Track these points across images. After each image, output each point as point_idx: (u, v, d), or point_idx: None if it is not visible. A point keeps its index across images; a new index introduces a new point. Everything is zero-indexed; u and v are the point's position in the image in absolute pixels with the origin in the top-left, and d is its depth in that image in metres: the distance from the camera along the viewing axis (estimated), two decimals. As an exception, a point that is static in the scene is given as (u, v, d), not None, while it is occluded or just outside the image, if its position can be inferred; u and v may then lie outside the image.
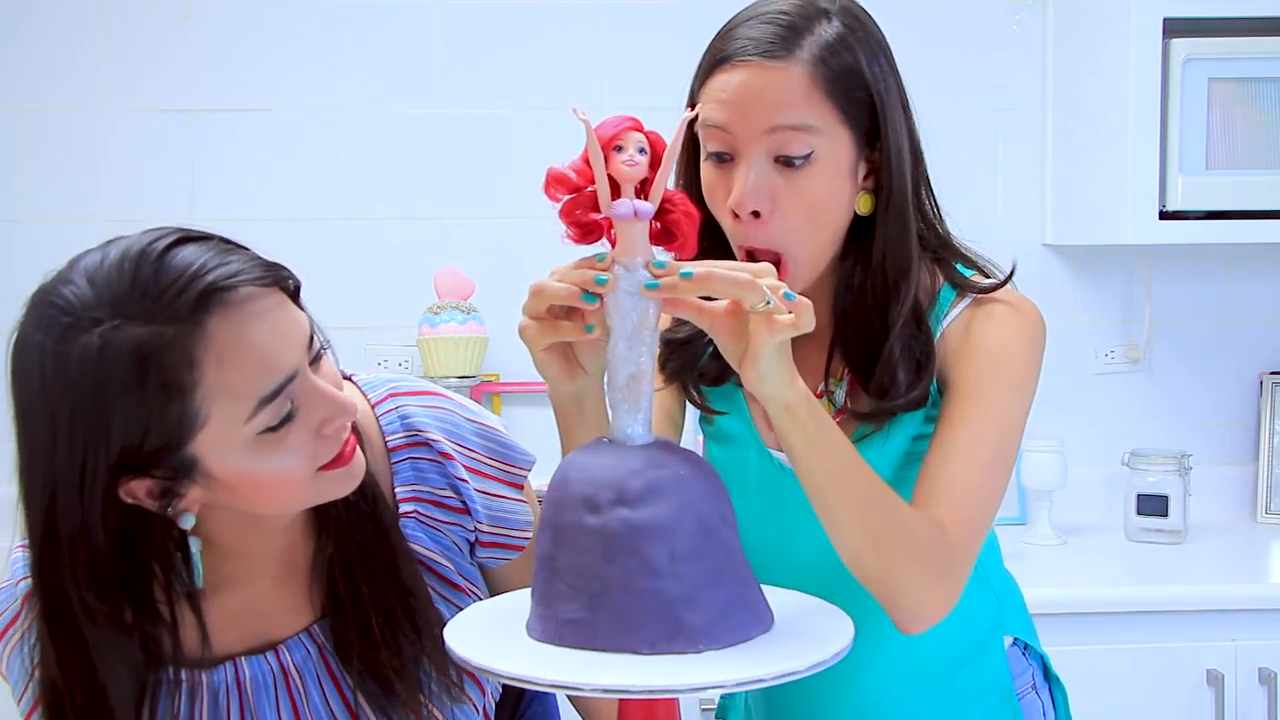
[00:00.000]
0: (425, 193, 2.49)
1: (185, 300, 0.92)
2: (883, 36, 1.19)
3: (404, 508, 1.16)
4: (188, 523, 1.00)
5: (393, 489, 1.16)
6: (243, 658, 1.12)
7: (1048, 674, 1.40)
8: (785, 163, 1.12)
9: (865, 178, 1.18)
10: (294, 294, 1.02)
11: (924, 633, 1.12)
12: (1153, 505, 2.37)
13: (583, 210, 0.96)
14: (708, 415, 1.32)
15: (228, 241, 0.99)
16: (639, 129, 0.94)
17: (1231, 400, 2.61)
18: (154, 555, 1.01)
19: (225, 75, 2.44)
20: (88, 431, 0.92)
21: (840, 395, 1.23)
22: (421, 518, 1.17)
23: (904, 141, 1.17)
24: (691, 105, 1.19)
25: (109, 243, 0.98)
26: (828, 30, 1.14)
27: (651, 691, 0.85)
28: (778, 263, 1.14)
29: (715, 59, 1.15)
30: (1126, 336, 2.59)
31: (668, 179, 0.95)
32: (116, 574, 0.98)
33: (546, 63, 2.49)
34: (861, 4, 1.21)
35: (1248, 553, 2.38)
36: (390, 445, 1.17)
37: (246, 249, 1.00)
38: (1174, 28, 2.19)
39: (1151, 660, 2.05)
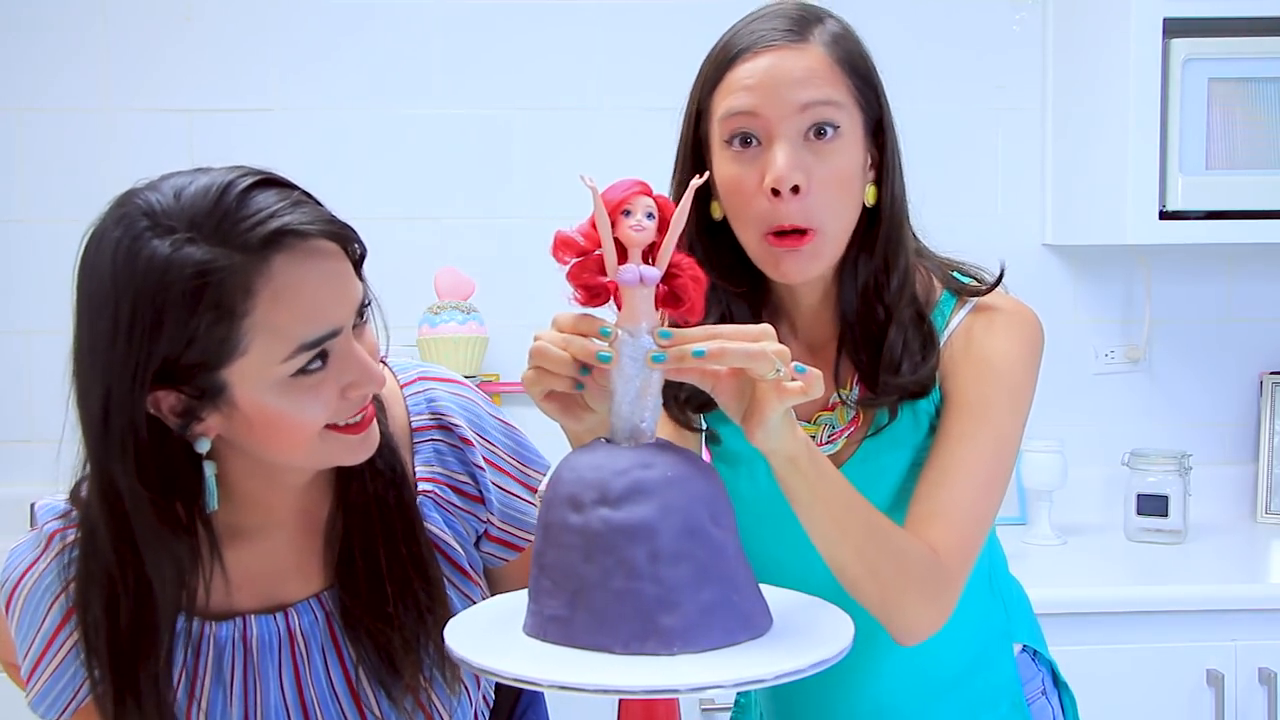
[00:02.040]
0: (425, 193, 2.49)
1: (257, 234, 0.96)
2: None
3: (422, 486, 1.18)
4: (203, 447, 1.03)
5: (413, 468, 1.18)
6: (252, 616, 1.14)
7: (1056, 680, 1.41)
8: (818, 134, 1.15)
9: (870, 168, 1.21)
10: (357, 260, 1.06)
11: (936, 641, 1.15)
12: (1153, 505, 2.37)
13: (590, 273, 0.96)
14: (714, 436, 1.32)
15: (308, 195, 1.04)
16: (648, 193, 0.95)
17: (1231, 400, 2.61)
18: (179, 466, 1.04)
19: (225, 75, 2.44)
20: (143, 330, 0.96)
21: (852, 400, 1.25)
22: (438, 499, 1.19)
23: (897, 146, 1.22)
24: (697, 112, 1.21)
25: (199, 169, 1.03)
26: (833, 25, 1.20)
27: (603, 690, 0.85)
28: (803, 234, 1.16)
29: (730, 55, 1.18)
30: (1126, 336, 2.59)
31: (674, 243, 0.96)
32: (158, 470, 1.01)
33: (546, 63, 2.49)
34: (866, 3, 1.24)
35: (1248, 553, 2.38)
36: (414, 425, 1.19)
37: (323, 206, 1.04)
38: (1174, 28, 2.19)
39: (1151, 660, 2.05)
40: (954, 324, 1.24)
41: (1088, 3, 2.38)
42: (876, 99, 1.20)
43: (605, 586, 0.90)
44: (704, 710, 2.07)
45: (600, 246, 0.96)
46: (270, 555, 1.14)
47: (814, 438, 1.24)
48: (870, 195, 1.21)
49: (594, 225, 0.95)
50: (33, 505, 1.17)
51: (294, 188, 1.03)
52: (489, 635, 0.96)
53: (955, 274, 1.27)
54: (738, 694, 1.51)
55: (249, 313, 0.96)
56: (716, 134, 1.19)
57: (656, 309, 0.96)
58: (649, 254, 0.96)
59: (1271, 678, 2.04)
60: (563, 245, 0.96)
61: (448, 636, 0.95)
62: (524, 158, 2.49)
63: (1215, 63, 2.20)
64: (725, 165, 1.18)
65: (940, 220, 1.29)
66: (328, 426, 1.03)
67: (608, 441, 0.97)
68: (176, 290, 0.95)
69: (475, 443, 1.20)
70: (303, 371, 1.00)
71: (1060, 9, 2.50)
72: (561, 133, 2.49)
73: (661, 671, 0.87)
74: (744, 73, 1.16)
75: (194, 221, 0.96)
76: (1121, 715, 2.05)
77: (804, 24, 1.18)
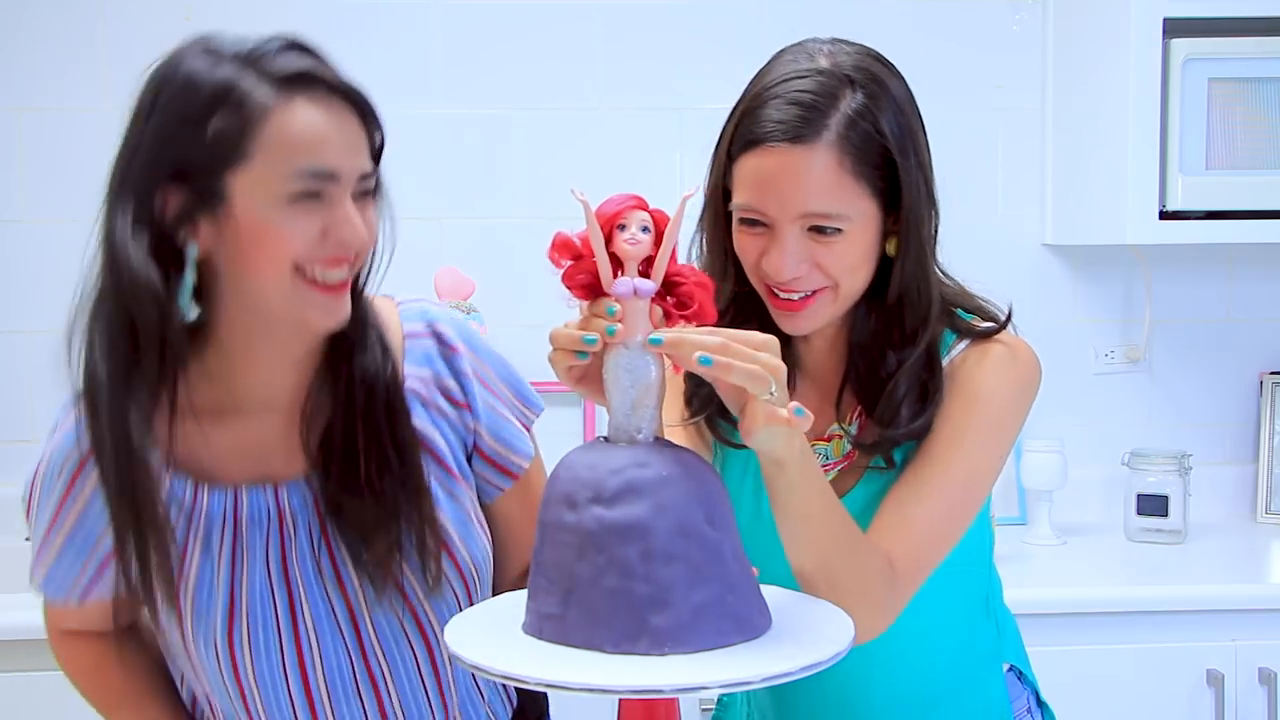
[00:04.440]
0: (425, 193, 2.49)
1: (286, 69, 1.07)
2: (904, 91, 1.22)
3: (409, 384, 1.21)
4: (192, 252, 1.09)
5: (402, 368, 1.21)
6: (244, 488, 1.17)
7: (1039, 700, 1.43)
8: (820, 231, 1.17)
9: (895, 223, 1.22)
10: (376, 148, 1.13)
11: (932, 657, 1.21)
12: (1153, 505, 2.37)
13: (585, 274, 0.98)
14: (730, 446, 1.33)
15: (349, 85, 1.11)
16: (643, 207, 0.97)
17: (1231, 400, 2.61)
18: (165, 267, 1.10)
19: (225, 75, 2.44)
20: (172, 124, 1.08)
21: (850, 435, 1.27)
22: (424, 399, 1.21)
23: (921, 199, 1.21)
24: (722, 180, 1.23)
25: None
26: (850, 103, 1.17)
27: (589, 689, 0.85)
28: (809, 296, 1.19)
29: (745, 139, 1.19)
30: (1126, 336, 2.59)
31: (669, 255, 0.97)
32: (153, 249, 1.09)
33: (545, 63, 2.49)
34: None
35: (1248, 553, 2.38)
36: (406, 331, 1.23)
37: (361, 94, 1.11)
38: (1174, 28, 2.19)
39: (1151, 660, 2.05)
40: (951, 355, 1.25)
41: (1088, 3, 2.38)
42: (895, 176, 1.18)
43: (598, 585, 0.90)
44: (704, 710, 2.07)
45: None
46: (261, 434, 1.18)
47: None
48: (891, 247, 1.22)
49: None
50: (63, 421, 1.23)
51: (340, 81, 1.11)
52: (487, 633, 0.96)
53: (959, 311, 1.28)
54: (721, 694, 1.52)
55: (259, 127, 1.05)
56: (733, 200, 1.21)
57: (671, 321, 0.98)
58: (644, 267, 0.97)
59: (1271, 678, 2.04)
60: (559, 247, 0.98)
61: (447, 633, 0.96)
62: (524, 158, 2.49)
63: (1215, 63, 2.20)
64: (738, 234, 1.22)
65: (940, 220, 1.29)
66: (299, 275, 1.08)
67: (606, 440, 0.97)
68: (204, 93, 1.06)
69: (463, 353, 1.23)
70: (298, 197, 1.06)
71: (1060, 9, 2.50)
72: (561, 132, 2.49)
73: (650, 671, 0.87)
74: (750, 169, 1.18)
75: (238, 54, 1.08)
76: (1121, 715, 2.05)
77: (816, 113, 1.16)
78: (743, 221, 1.21)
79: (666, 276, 0.97)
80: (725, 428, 1.31)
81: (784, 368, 0.97)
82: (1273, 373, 2.59)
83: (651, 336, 0.96)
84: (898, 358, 1.23)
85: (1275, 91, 2.21)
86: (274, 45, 1.08)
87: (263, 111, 1.05)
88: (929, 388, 1.23)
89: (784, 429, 0.98)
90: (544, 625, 0.93)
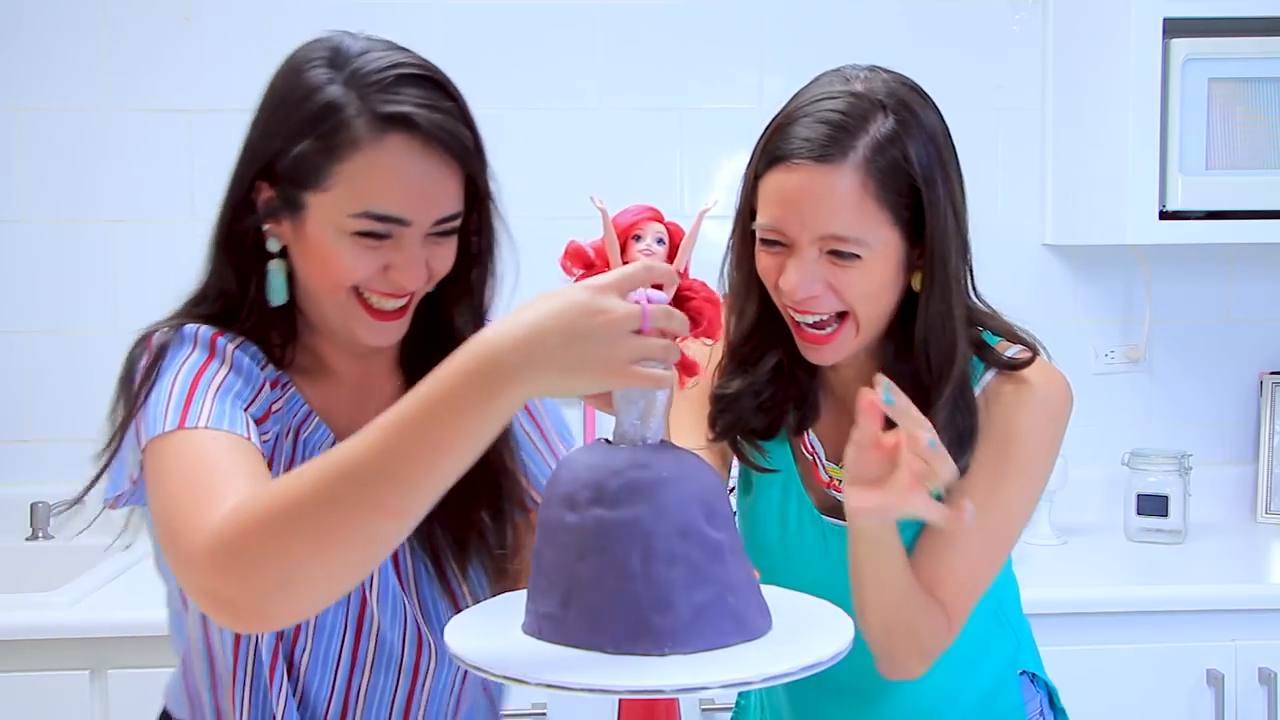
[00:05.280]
0: (425, 193, 2.49)
1: (388, 109, 1.07)
2: (938, 124, 1.21)
3: None
4: (274, 246, 1.13)
5: None
6: (338, 440, 1.13)
7: (1053, 702, 1.44)
8: (838, 255, 1.16)
9: (920, 257, 1.21)
10: (481, 193, 1.14)
11: (952, 670, 1.24)
12: (1153, 505, 2.37)
13: None
14: (755, 470, 1.33)
15: (463, 111, 1.13)
16: (658, 219, 0.98)
17: (1231, 400, 2.61)
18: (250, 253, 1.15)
19: (225, 75, 2.44)
20: (273, 128, 1.11)
21: None
22: None
23: (948, 233, 1.19)
24: (750, 199, 1.22)
25: (401, 47, 1.15)
26: (880, 128, 1.16)
27: (589, 689, 0.86)
28: (838, 319, 1.20)
29: (772, 155, 1.18)
30: (1126, 336, 2.59)
31: (684, 268, 0.97)
32: (240, 242, 1.14)
33: (545, 63, 2.49)
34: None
35: (1248, 553, 2.38)
36: None
37: (478, 133, 1.13)
38: (1174, 28, 2.19)
39: (1151, 660, 2.05)
40: (982, 386, 1.25)
41: (1088, 3, 2.38)
42: (919, 205, 1.17)
43: (598, 586, 0.90)
44: (704, 710, 2.07)
45: (608, 263, 0.97)
46: (343, 402, 1.20)
47: (840, 480, 1.26)
48: (917, 280, 1.21)
49: (605, 245, 0.97)
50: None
51: (456, 99, 1.13)
52: (487, 633, 0.96)
53: (985, 334, 1.27)
54: (739, 696, 1.52)
55: (345, 160, 1.07)
56: (756, 219, 1.22)
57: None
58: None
59: (1271, 678, 2.04)
60: (572, 256, 0.99)
61: (447, 633, 0.96)
62: (524, 158, 2.49)
63: (1215, 63, 2.20)
64: (759, 254, 1.22)
65: (972, 260, 1.28)
66: (357, 292, 1.11)
67: (608, 442, 0.97)
68: (307, 109, 1.08)
69: None
70: (362, 235, 1.08)
71: (1060, 9, 2.50)
72: (561, 132, 2.49)
73: (650, 672, 0.87)
74: (774, 185, 1.18)
75: (356, 73, 1.09)
76: (1121, 715, 2.05)
77: (845, 134, 1.15)
78: (764, 241, 1.20)
79: (677, 290, 0.97)
80: (752, 452, 1.31)
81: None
82: (1273, 373, 2.59)
83: (886, 396, 1.01)
84: (926, 399, 1.20)
85: (1275, 91, 2.21)
86: (392, 74, 1.09)
87: (351, 146, 1.06)
88: (963, 430, 1.22)
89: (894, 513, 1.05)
90: (544, 625, 0.93)
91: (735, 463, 1.36)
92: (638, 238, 0.96)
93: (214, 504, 0.92)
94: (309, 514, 0.86)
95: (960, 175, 1.21)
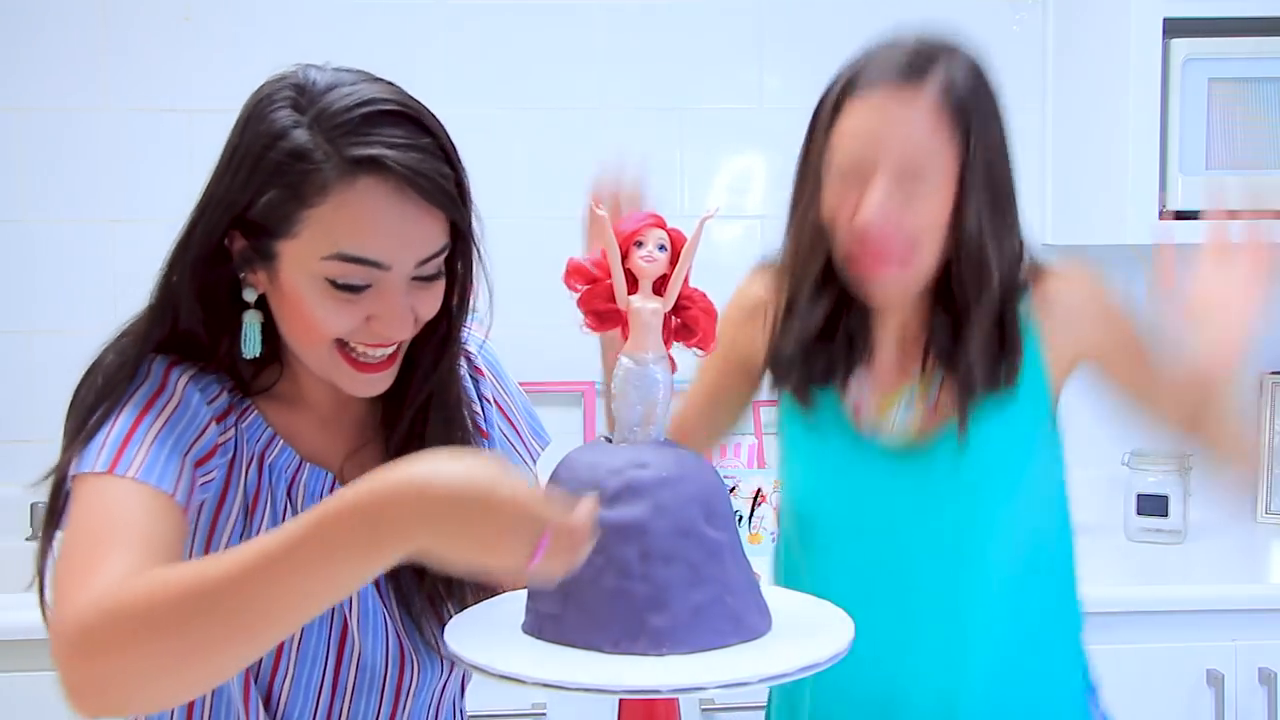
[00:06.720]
0: (425, 193, 2.49)
1: (358, 152, 1.00)
2: (995, 82, 1.29)
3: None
4: (250, 296, 1.08)
5: None
6: (305, 462, 1.14)
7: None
8: (909, 181, 1.21)
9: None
10: (464, 229, 1.11)
11: (1016, 691, 1.33)
12: (1153, 505, 2.38)
13: (600, 299, 0.99)
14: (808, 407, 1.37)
15: (443, 147, 1.08)
16: (661, 225, 0.98)
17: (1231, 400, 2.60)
18: (224, 306, 1.10)
19: (225, 75, 2.44)
20: (239, 176, 1.04)
21: (934, 392, 1.31)
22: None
23: (997, 160, 1.27)
24: (815, 125, 1.28)
25: (373, 78, 1.09)
26: (953, 62, 1.25)
27: (585, 689, 0.86)
28: (898, 255, 1.25)
29: (847, 85, 1.24)
30: (1126, 336, 2.58)
31: (684, 276, 0.98)
32: (214, 292, 1.09)
33: (545, 63, 2.49)
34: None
35: (1248, 553, 2.38)
36: None
37: (451, 166, 1.08)
38: (1174, 28, 2.19)
39: (1151, 660, 2.05)
40: (1029, 300, 1.33)
41: (1088, 3, 2.38)
42: (971, 143, 1.23)
43: (597, 585, 0.90)
44: (704, 710, 2.06)
45: (611, 275, 0.97)
46: (313, 429, 1.16)
47: (893, 404, 1.33)
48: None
49: (605, 254, 0.96)
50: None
51: (434, 135, 1.07)
52: (487, 633, 0.96)
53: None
54: (777, 695, 1.51)
55: (314, 206, 1.01)
56: (828, 161, 1.26)
57: (672, 341, 0.98)
58: (659, 285, 0.98)
59: (1271, 678, 2.04)
60: (574, 273, 0.99)
61: (447, 633, 0.96)
62: (524, 158, 2.49)
63: (1215, 63, 2.20)
64: (831, 188, 1.26)
65: (1017, 210, 1.33)
66: (340, 345, 1.06)
67: (608, 441, 0.97)
68: (272, 158, 1.02)
69: (487, 379, 1.24)
70: (339, 285, 1.03)
71: (1060, 9, 2.50)
72: (561, 132, 2.49)
73: (648, 671, 0.87)
74: (850, 114, 1.23)
75: (322, 114, 1.02)
76: (1121, 715, 2.04)
77: (925, 60, 1.23)
78: (837, 174, 1.24)
79: (675, 299, 0.98)
80: (824, 397, 1.34)
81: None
82: (1273, 373, 2.58)
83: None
84: (965, 320, 1.28)
85: (1275, 91, 2.21)
86: (359, 113, 1.02)
87: (319, 192, 1.01)
88: (1005, 338, 1.28)
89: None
90: (543, 625, 0.93)
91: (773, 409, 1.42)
92: (639, 244, 0.96)
93: (93, 575, 0.91)
94: (165, 623, 0.84)
95: (1007, 134, 1.29)
